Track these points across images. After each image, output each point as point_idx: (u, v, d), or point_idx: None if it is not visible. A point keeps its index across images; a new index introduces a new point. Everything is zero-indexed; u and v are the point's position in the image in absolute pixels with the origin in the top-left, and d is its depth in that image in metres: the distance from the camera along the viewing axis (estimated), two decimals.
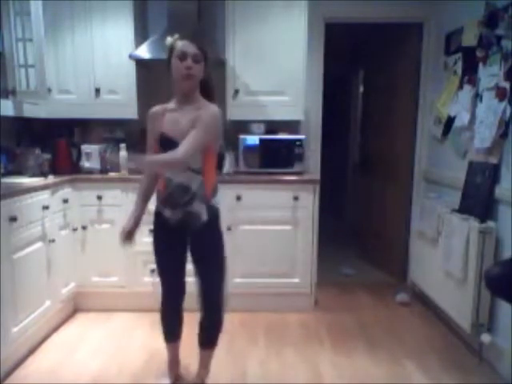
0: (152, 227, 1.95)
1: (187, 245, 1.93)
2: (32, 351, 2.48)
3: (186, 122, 1.77)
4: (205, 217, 1.85)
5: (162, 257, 1.96)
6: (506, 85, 2.28)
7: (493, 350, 2.34)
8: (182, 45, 1.76)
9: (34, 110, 3.02)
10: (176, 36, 1.80)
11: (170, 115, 1.83)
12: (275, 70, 3.05)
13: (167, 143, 1.78)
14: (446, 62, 3.06)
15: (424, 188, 3.42)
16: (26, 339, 2.41)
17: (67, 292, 2.86)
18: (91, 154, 3.12)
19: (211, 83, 1.90)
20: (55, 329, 2.76)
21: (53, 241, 2.62)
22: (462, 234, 2.43)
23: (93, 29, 3.06)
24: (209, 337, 2.01)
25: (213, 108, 1.80)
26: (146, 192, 2.00)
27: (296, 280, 3.02)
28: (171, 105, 1.86)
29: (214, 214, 1.89)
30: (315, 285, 3.09)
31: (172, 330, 2.10)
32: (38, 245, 2.49)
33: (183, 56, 1.74)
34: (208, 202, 1.86)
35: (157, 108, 1.88)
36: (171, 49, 1.78)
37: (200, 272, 1.92)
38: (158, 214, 1.92)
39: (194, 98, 1.82)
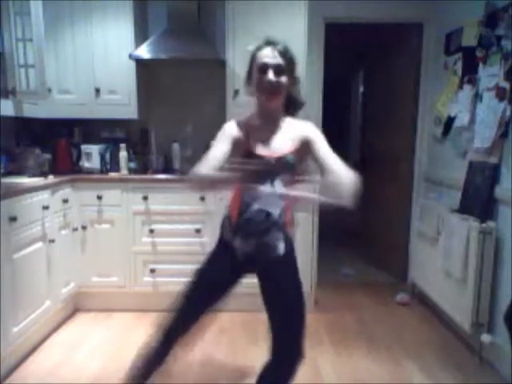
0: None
1: (240, 279, 1.68)
2: (32, 351, 2.48)
3: (282, 141, 1.55)
4: (282, 249, 1.57)
5: (206, 276, 1.66)
6: (506, 85, 2.28)
7: (493, 350, 2.34)
8: (263, 54, 1.51)
9: (33, 109, 3.01)
10: (260, 43, 1.54)
11: (257, 133, 1.56)
12: None
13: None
14: (446, 62, 3.06)
15: (424, 188, 3.42)
16: (26, 339, 2.41)
17: (67, 292, 2.86)
18: (91, 154, 3.12)
19: (299, 100, 1.62)
20: (55, 329, 2.76)
21: (53, 241, 2.62)
22: (462, 233, 2.43)
23: (93, 29, 3.06)
24: None
25: (311, 125, 1.59)
26: None
27: None
28: (253, 121, 1.59)
29: (291, 245, 1.62)
30: (315, 285, 3.08)
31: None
32: (38, 245, 2.49)
33: (263, 68, 1.49)
34: (286, 232, 1.59)
35: (237, 121, 1.59)
36: (252, 59, 1.55)
37: (273, 317, 1.62)
38: (224, 242, 1.64)
39: (279, 115, 1.58)
